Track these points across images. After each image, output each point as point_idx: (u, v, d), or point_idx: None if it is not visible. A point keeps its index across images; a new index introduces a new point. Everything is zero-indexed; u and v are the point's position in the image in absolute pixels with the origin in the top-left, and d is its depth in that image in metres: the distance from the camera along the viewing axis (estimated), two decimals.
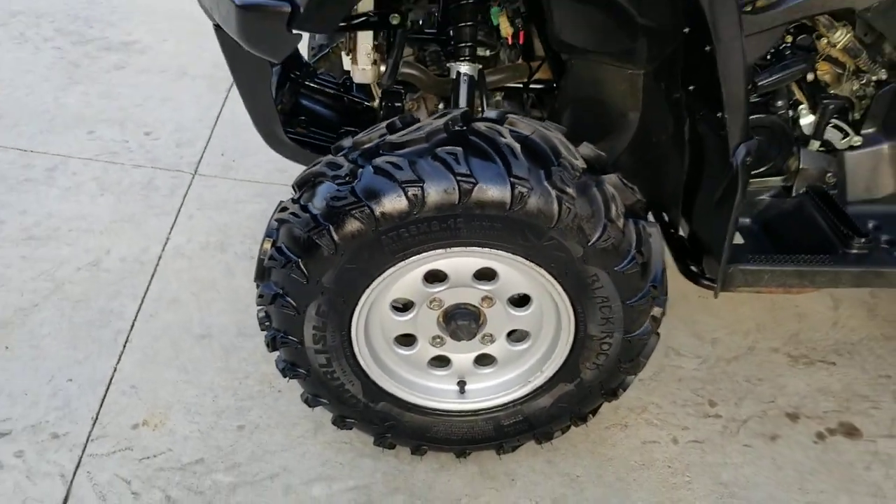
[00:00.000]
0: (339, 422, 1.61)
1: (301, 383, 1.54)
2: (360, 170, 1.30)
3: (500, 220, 1.30)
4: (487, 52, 1.73)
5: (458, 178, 1.26)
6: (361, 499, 1.60)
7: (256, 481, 1.62)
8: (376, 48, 1.61)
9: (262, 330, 1.48)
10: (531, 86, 1.78)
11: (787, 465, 1.70)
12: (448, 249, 1.35)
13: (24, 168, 2.48)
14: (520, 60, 1.76)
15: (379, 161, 1.29)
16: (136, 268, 2.12)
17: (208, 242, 2.21)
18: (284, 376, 1.53)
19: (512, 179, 1.26)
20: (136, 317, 1.97)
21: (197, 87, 2.96)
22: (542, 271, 1.38)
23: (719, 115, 1.40)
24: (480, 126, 1.31)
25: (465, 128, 1.31)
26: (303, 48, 1.82)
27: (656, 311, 1.46)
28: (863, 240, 1.57)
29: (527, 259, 1.36)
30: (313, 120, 1.89)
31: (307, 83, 1.93)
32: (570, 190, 1.29)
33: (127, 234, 2.24)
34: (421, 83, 1.71)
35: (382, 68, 1.64)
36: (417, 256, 1.35)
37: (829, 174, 1.71)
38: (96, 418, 1.72)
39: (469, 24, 1.57)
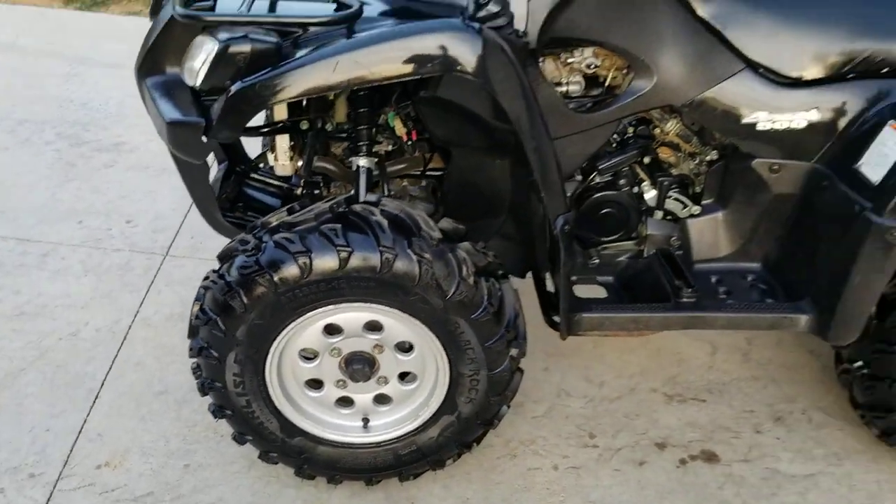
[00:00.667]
0: (265, 456, 1.93)
1: (229, 423, 1.87)
2: (264, 244, 1.66)
3: (374, 280, 1.64)
4: (390, 147, 2.11)
5: (338, 248, 1.61)
6: None
7: None
8: (292, 147, 1.99)
9: (195, 378, 1.81)
10: (428, 173, 2.15)
11: (649, 486, 1.99)
12: (337, 305, 1.69)
13: (21, 255, 2.86)
14: (416, 153, 2.14)
15: (277, 237, 1.65)
16: (108, 337, 2.47)
17: (172, 314, 2.56)
18: (215, 417, 1.85)
19: (381, 248, 1.62)
20: (105, 378, 2.31)
21: (175, 181, 3.30)
22: (416, 321, 1.72)
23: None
24: (358, 207, 1.67)
25: (346, 209, 1.67)
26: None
27: (514, 351, 1.79)
28: (690, 290, 1.90)
29: (402, 311, 1.71)
30: (255, 206, 2.26)
31: (251, 175, 2.32)
32: (428, 255, 1.64)
33: (103, 309, 2.59)
34: (334, 174, 2.08)
35: (300, 163, 2.02)
36: (312, 312, 1.70)
37: (673, 238, 2.05)
38: (66, 461, 2.04)
39: (366, 126, 1.95)
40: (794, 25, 1.83)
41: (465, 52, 1.57)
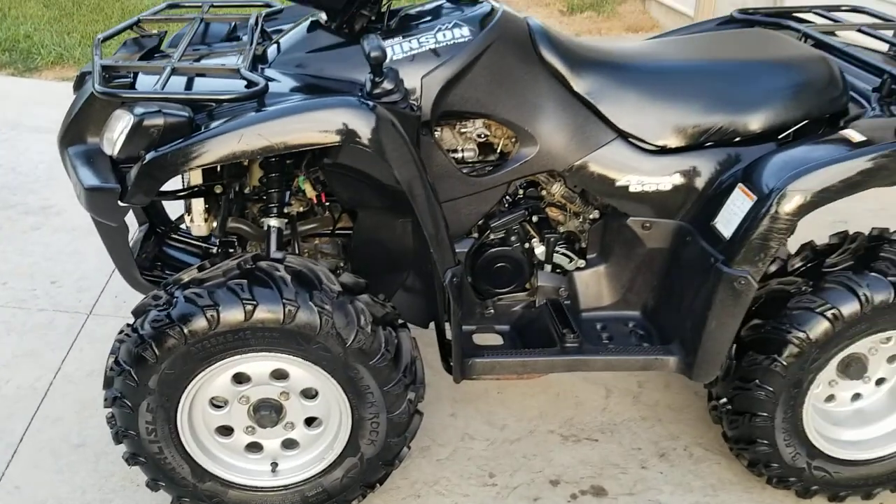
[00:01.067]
0: (178, 502, 2.02)
1: (143, 470, 1.97)
2: (175, 299, 1.79)
3: (278, 331, 1.79)
4: (301, 209, 2.28)
5: (244, 301, 1.76)
6: None
7: None
8: (207, 209, 2.14)
9: (110, 427, 1.91)
10: (337, 232, 2.32)
11: None
12: (244, 355, 1.83)
13: None
14: (326, 214, 2.30)
15: (187, 292, 1.79)
16: (29, 393, 2.54)
17: (93, 370, 2.64)
18: (129, 464, 1.95)
19: (284, 301, 1.77)
20: (24, 433, 2.38)
21: (100, 243, 3.43)
22: (319, 369, 1.87)
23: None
24: (263, 264, 1.83)
25: (252, 265, 1.82)
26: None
27: (411, 395, 1.94)
28: (573, 336, 2.09)
29: (305, 360, 1.85)
30: (174, 265, 2.39)
31: (171, 235, 2.45)
32: (328, 307, 1.79)
33: (26, 367, 2.66)
34: (247, 234, 2.22)
35: (214, 224, 2.17)
36: (221, 362, 1.83)
37: (561, 289, 2.25)
38: None
39: (276, 189, 2.11)
40: (657, 100, 2.08)
41: (360, 126, 1.75)
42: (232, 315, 1.76)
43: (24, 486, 2.20)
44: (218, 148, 1.72)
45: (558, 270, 2.27)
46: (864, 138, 1.87)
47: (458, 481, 2.26)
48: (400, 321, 1.96)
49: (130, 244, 2.24)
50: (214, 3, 2.46)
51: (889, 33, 2.43)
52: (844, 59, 2.21)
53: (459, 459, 2.34)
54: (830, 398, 2.17)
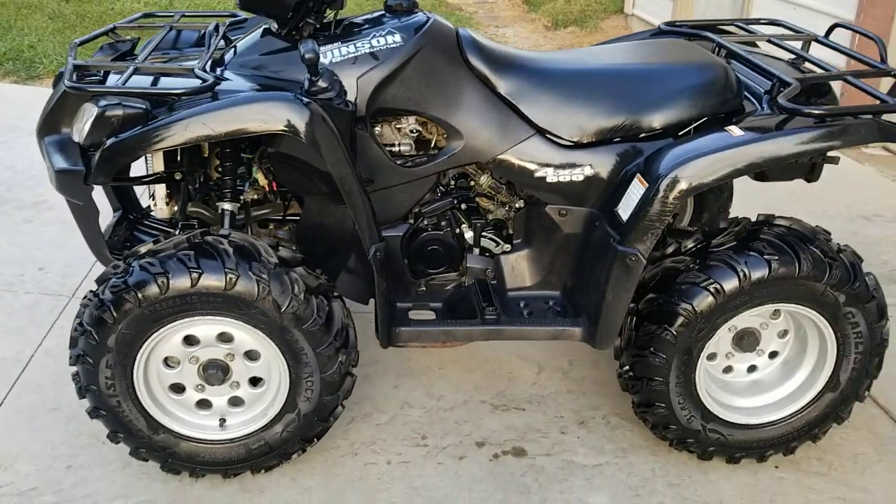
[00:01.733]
0: (136, 453, 2.26)
1: (104, 423, 2.21)
2: (131, 268, 2.05)
3: (221, 296, 2.04)
4: (256, 196, 2.53)
5: (191, 270, 2.01)
6: None
7: (73, 499, 2.25)
8: (169, 195, 2.40)
9: (75, 383, 2.17)
10: (289, 218, 2.57)
11: (465, 475, 2.38)
12: (192, 318, 2.08)
13: None
14: (278, 201, 2.56)
15: (142, 262, 2.04)
16: (12, 364, 2.79)
17: None
18: (91, 417, 2.20)
19: (226, 270, 2.02)
20: (4, 398, 2.63)
21: None
22: (259, 332, 2.12)
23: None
24: (209, 238, 2.08)
25: (200, 240, 2.08)
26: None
27: (342, 357, 2.19)
28: (491, 309, 2.34)
29: (246, 324, 2.10)
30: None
31: (142, 221, 2.71)
32: (265, 276, 2.04)
33: (10, 342, 2.91)
34: (206, 218, 2.47)
35: (176, 208, 2.43)
36: (172, 324, 2.08)
37: (488, 270, 2.50)
38: None
39: (230, 177, 2.36)
40: (571, 101, 2.33)
41: (292, 118, 2.01)
42: (180, 282, 2.01)
43: (1, 442, 2.45)
44: (167, 135, 1.98)
45: (487, 254, 2.51)
46: (742, 133, 2.12)
47: (394, 442, 2.50)
48: (334, 292, 2.21)
49: (104, 228, 2.52)
50: (186, 14, 2.73)
51: (799, 44, 2.67)
52: (747, 66, 2.45)
53: (397, 424, 2.57)
54: (728, 369, 2.40)
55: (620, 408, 2.64)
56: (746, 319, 2.29)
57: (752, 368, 2.42)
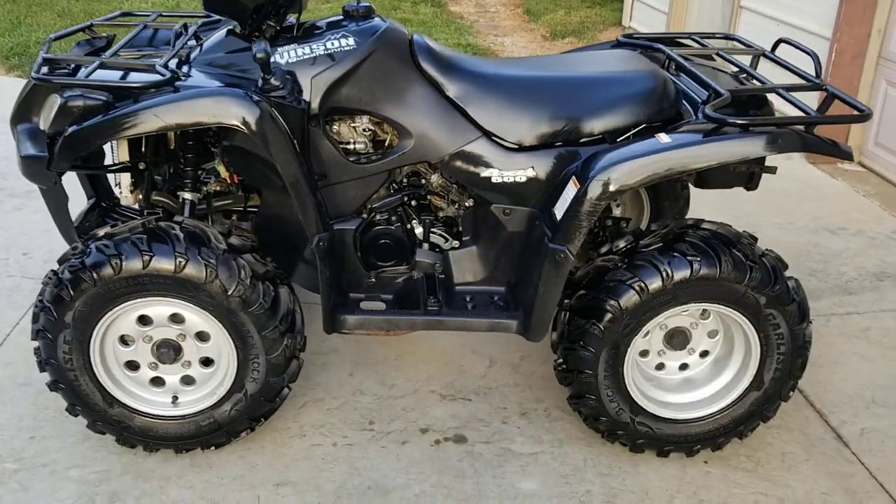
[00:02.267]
0: (93, 426, 2.40)
1: (63, 396, 2.35)
2: (89, 249, 2.18)
3: (171, 279, 2.17)
4: (218, 188, 2.67)
5: (143, 252, 2.15)
6: (102, 477, 2.36)
7: (32, 467, 2.38)
8: (134, 184, 2.54)
9: (36, 358, 2.30)
10: (249, 209, 2.71)
11: (405, 458, 2.49)
12: (144, 299, 2.22)
13: None
14: (240, 193, 2.69)
15: (99, 244, 2.18)
16: None
17: None
18: (51, 390, 2.34)
19: (175, 254, 2.16)
20: None
21: None
22: (208, 314, 2.25)
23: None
24: (163, 224, 2.21)
25: (153, 225, 2.21)
26: None
27: (288, 341, 2.32)
28: (434, 300, 2.46)
29: (196, 306, 2.23)
30: None
31: (113, 208, 2.85)
32: (213, 261, 2.18)
33: None
34: (170, 207, 2.61)
35: (140, 197, 2.57)
36: (126, 304, 2.21)
37: (436, 265, 2.62)
38: None
39: (191, 168, 2.50)
40: (516, 106, 2.46)
41: (242, 114, 2.14)
42: (133, 264, 2.14)
43: None
44: (123, 125, 2.12)
45: (437, 249, 2.64)
46: (670, 140, 2.23)
47: (342, 426, 2.62)
48: (281, 278, 2.34)
49: (78, 214, 2.66)
50: (163, 14, 2.88)
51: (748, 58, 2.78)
52: (690, 77, 2.56)
53: (347, 410, 2.70)
54: (661, 366, 2.51)
55: (563, 402, 2.74)
56: (676, 318, 2.40)
57: (683, 366, 2.52)
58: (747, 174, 2.64)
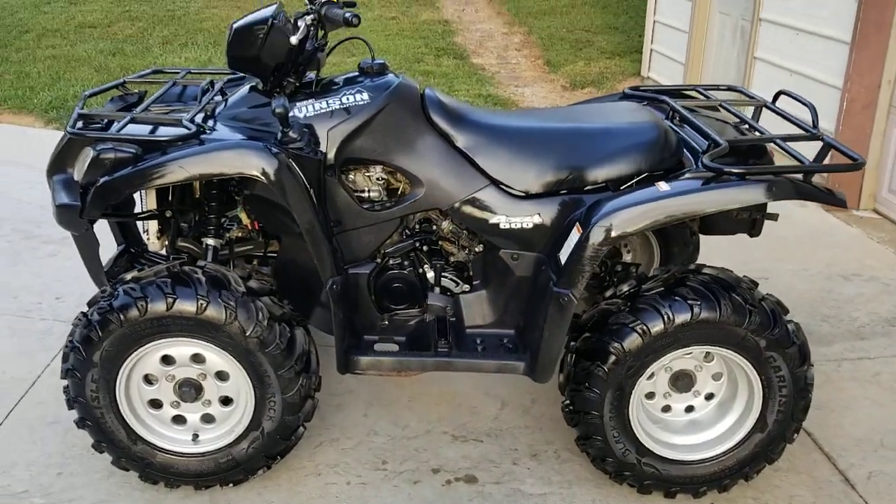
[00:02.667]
0: (117, 462, 2.50)
1: (89, 433, 2.46)
2: (116, 292, 2.31)
3: (193, 320, 2.29)
4: (240, 234, 2.80)
5: (167, 295, 2.27)
6: None
7: (59, 502, 2.49)
8: (161, 230, 2.68)
9: (65, 395, 2.42)
10: (269, 255, 2.83)
11: (417, 497, 2.56)
12: (167, 340, 2.33)
13: None
14: (260, 239, 2.82)
15: (126, 287, 2.31)
16: (20, 383, 3.07)
17: None
18: (78, 427, 2.45)
19: (198, 296, 2.28)
20: (10, 412, 2.90)
21: None
22: (227, 354, 2.36)
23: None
24: (186, 268, 2.34)
25: (177, 269, 2.34)
26: None
27: (303, 381, 2.41)
28: (444, 342, 2.55)
29: (216, 346, 2.34)
30: None
31: (142, 254, 2.99)
32: (232, 303, 2.29)
33: (21, 362, 3.20)
34: (194, 252, 2.75)
35: (166, 242, 2.71)
36: (150, 344, 2.33)
37: (447, 308, 2.71)
38: None
39: (214, 216, 2.64)
40: (523, 156, 2.57)
41: (261, 164, 2.28)
42: (157, 306, 2.27)
43: (1, 451, 2.71)
44: (150, 176, 2.26)
45: (448, 293, 2.74)
46: (668, 188, 2.33)
47: (356, 465, 2.70)
48: (297, 321, 2.45)
49: (107, 260, 2.81)
50: (192, 71, 3.05)
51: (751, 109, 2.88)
52: (692, 128, 2.67)
53: (361, 449, 2.78)
54: (667, 409, 2.57)
55: (572, 443, 2.78)
56: (681, 361, 2.47)
57: (689, 408, 2.57)
58: (749, 221, 2.73)
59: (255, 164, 2.27)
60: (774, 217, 2.70)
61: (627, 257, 3.21)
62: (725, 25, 6.49)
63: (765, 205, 2.70)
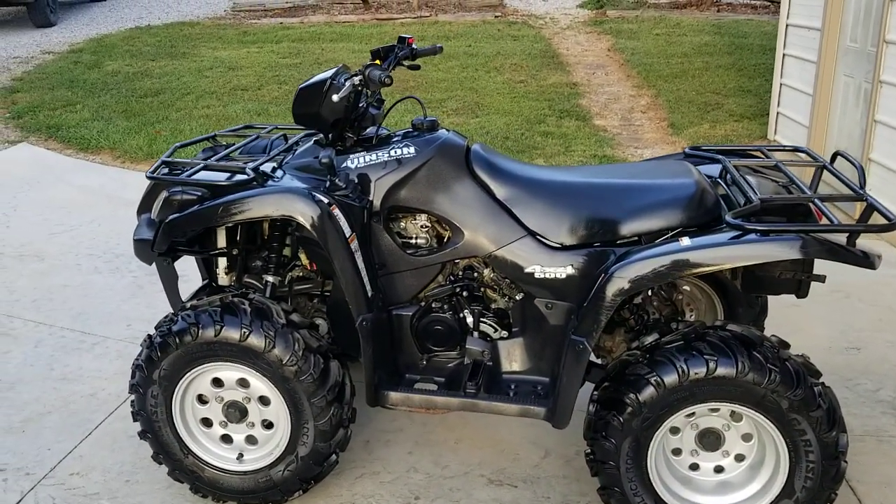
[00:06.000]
0: (172, 474, 2.76)
1: (150, 444, 2.73)
2: (176, 318, 2.60)
3: (237, 347, 2.53)
4: (300, 273, 3.04)
5: (216, 323, 2.53)
6: None
7: None
8: (229, 267, 2.97)
9: (131, 408, 2.72)
10: (325, 293, 3.05)
11: None
12: (216, 363, 2.58)
13: (79, 342, 3.95)
14: (318, 278, 3.05)
15: (184, 314, 2.59)
16: (115, 398, 3.44)
17: None
18: (140, 438, 2.73)
19: (241, 325, 2.52)
20: (100, 423, 3.26)
21: None
22: (267, 380, 2.58)
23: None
24: (235, 300, 2.59)
25: (228, 301, 2.59)
26: None
27: (335, 410, 2.58)
28: (472, 384, 2.65)
29: (257, 372, 2.57)
30: None
31: (221, 288, 3.30)
32: (272, 333, 2.52)
33: (120, 381, 3.57)
34: (257, 288, 3.01)
35: (233, 277, 2.99)
36: (202, 366, 2.59)
37: (484, 352, 2.81)
38: (54, 468, 2.97)
39: (275, 255, 2.89)
40: (559, 208, 2.67)
41: (301, 208, 2.51)
42: (207, 332, 2.53)
43: (86, 456, 3.05)
44: (206, 216, 2.55)
45: (487, 338, 2.84)
46: (689, 242, 2.35)
47: (389, 498, 2.82)
48: (333, 353, 2.64)
49: (191, 293, 3.13)
50: (279, 126, 3.38)
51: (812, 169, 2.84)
52: (738, 187, 2.66)
53: (398, 484, 2.90)
54: (695, 467, 2.53)
55: None
56: (707, 419, 2.44)
57: (719, 469, 2.52)
58: (795, 282, 2.67)
59: (297, 209, 2.51)
60: (822, 278, 2.63)
61: (691, 316, 3.19)
62: (849, 88, 6.27)
63: (810, 266, 2.64)
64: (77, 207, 5.85)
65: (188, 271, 3.34)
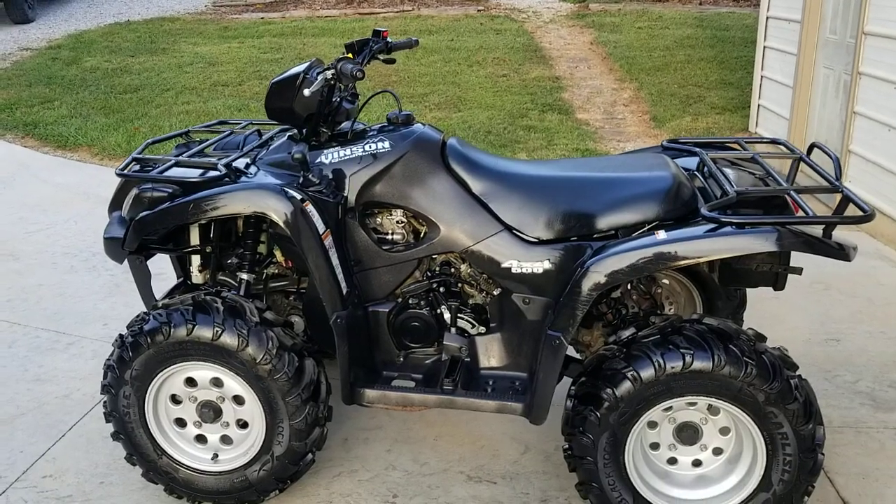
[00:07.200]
0: (146, 475, 2.72)
1: (123, 445, 2.69)
2: (148, 317, 2.56)
3: (209, 346, 2.49)
4: (276, 271, 3.01)
5: (188, 322, 2.49)
6: None
7: None
8: (202, 265, 2.93)
9: (103, 409, 2.67)
10: (301, 290, 3.02)
11: None
12: (189, 363, 2.54)
13: (53, 342, 3.89)
14: (294, 275, 3.01)
15: (155, 313, 2.55)
16: (89, 399, 3.39)
17: None
18: (113, 439, 2.69)
19: (214, 324, 2.48)
20: (74, 425, 3.21)
21: None
22: (240, 379, 2.54)
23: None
24: (208, 297, 2.55)
25: (200, 298, 2.56)
26: None
27: (310, 409, 2.55)
28: (449, 381, 2.63)
29: (231, 371, 2.53)
30: None
31: (195, 287, 3.26)
32: (245, 332, 2.48)
33: (94, 382, 3.49)
34: (232, 285, 2.97)
35: (208, 275, 2.95)
36: (174, 366, 2.55)
37: (462, 348, 2.79)
38: (26, 471, 2.92)
39: (249, 252, 2.85)
40: (535, 202, 2.65)
41: (273, 205, 2.48)
42: (179, 331, 2.49)
43: (59, 458, 3.00)
44: (176, 213, 2.51)
45: (465, 334, 2.81)
46: (665, 236, 2.33)
47: (367, 497, 2.79)
48: (307, 351, 2.60)
49: (164, 291, 3.08)
50: (253, 122, 3.34)
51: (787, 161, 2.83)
52: (714, 179, 2.65)
53: (377, 482, 2.87)
54: (673, 461, 2.52)
55: None
56: (685, 413, 2.43)
57: (697, 463, 2.51)
58: (772, 274, 2.66)
59: (269, 205, 2.48)
60: (798, 271, 2.63)
61: (670, 310, 3.18)
62: (829, 80, 6.28)
63: (787, 258, 2.64)
64: (53, 205, 5.78)
65: (165, 269, 3.30)
